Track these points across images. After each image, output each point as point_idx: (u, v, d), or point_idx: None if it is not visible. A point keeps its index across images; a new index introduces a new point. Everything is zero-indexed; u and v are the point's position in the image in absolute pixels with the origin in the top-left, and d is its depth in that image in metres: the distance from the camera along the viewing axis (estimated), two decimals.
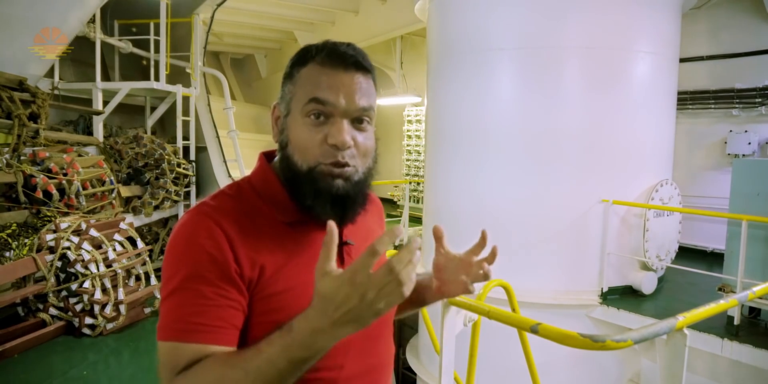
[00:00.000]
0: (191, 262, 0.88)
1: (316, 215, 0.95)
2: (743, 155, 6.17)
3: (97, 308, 4.30)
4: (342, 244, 1.01)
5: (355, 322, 0.76)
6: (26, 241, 4.61)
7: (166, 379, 0.84)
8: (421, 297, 1.19)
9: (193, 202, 7.96)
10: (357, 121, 0.97)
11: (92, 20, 7.07)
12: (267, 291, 0.91)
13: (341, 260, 1.02)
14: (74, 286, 4.26)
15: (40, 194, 5.15)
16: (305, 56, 0.98)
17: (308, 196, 0.95)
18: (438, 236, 1.05)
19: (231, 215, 0.93)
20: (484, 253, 1.06)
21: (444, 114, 5.53)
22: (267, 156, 1.06)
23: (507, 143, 4.97)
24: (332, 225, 0.77)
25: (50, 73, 6.91)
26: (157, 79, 7.74)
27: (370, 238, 1.09)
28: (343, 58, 0.96)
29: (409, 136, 9.65)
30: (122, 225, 5.04)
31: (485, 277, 1.06)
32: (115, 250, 4.64)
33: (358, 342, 0.99)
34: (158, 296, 4.79)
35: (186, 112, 8.27)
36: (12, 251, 4.48)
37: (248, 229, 0.93)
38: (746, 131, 6.22)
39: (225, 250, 0.89)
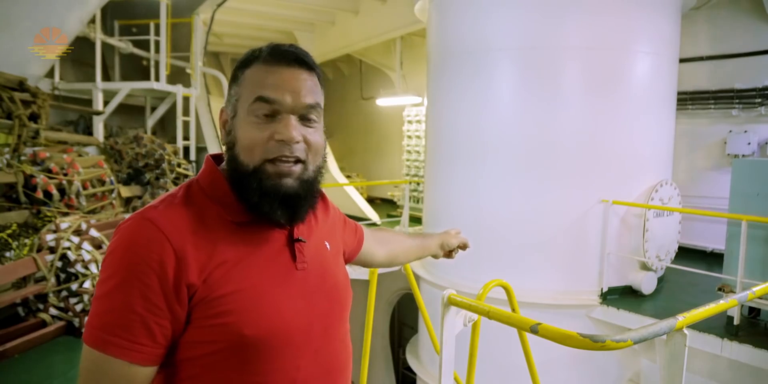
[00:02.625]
0: (127, 272, 0.86)
1: (265, 214, 0.95)
2: (743, 155, 6.16)
3: None
4: (294, 241, 1.02)
5: None
6: (26, 241, 4.62)
7: None
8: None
9: None
10: (304, 119, 0.97)
11: (92, 20, 7.08)
12: (215, 293, 0.90)
13: (293, 257, 1.01)
14: (74, 286, 4.26)
15: (40, 194, 5.15)
16: (249, 58, 0.98)
17: (254, 194, 0.94)
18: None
19: (178, 219, 0.91)
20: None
21: (443, 118, 5.53)
22: (215, 159, 1.05)
23: (506, 145, 4.97)
24: None
25: (50, 74, 6.92)
26: (157, 79, 7.75)
27: (332, 233, 1.18)
28: (285, 56, 0.96)
29: (409, 137, 9.64)
30: None
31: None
32: None
33: (315, 342, 1.00)
34: None
35: (186, 113, 8.28)
36: (12, 251, 4.48)
37: (196, 232, 0.91)
38: (746, 131, 6.21)
39: (166, 261, 0.87)
